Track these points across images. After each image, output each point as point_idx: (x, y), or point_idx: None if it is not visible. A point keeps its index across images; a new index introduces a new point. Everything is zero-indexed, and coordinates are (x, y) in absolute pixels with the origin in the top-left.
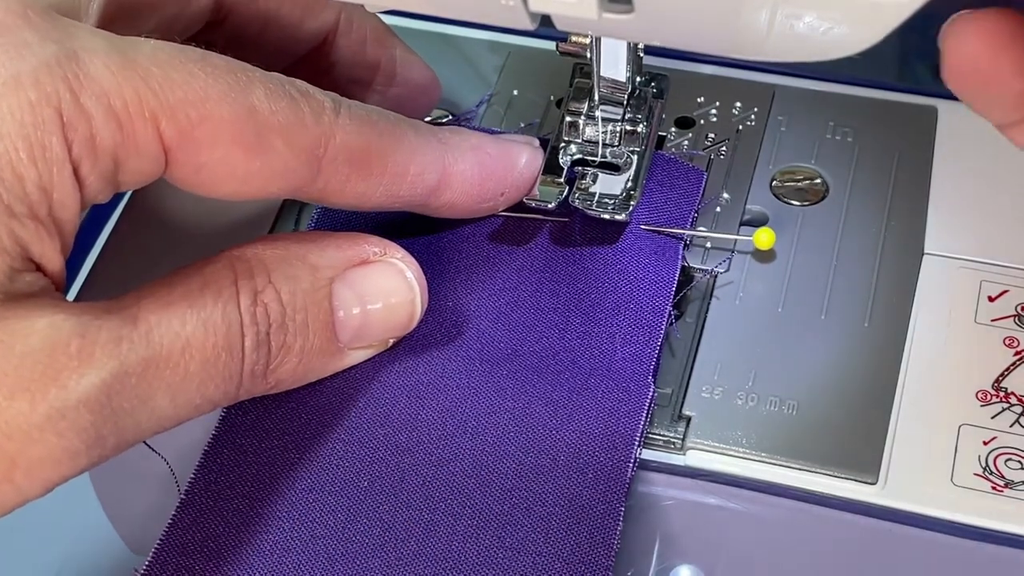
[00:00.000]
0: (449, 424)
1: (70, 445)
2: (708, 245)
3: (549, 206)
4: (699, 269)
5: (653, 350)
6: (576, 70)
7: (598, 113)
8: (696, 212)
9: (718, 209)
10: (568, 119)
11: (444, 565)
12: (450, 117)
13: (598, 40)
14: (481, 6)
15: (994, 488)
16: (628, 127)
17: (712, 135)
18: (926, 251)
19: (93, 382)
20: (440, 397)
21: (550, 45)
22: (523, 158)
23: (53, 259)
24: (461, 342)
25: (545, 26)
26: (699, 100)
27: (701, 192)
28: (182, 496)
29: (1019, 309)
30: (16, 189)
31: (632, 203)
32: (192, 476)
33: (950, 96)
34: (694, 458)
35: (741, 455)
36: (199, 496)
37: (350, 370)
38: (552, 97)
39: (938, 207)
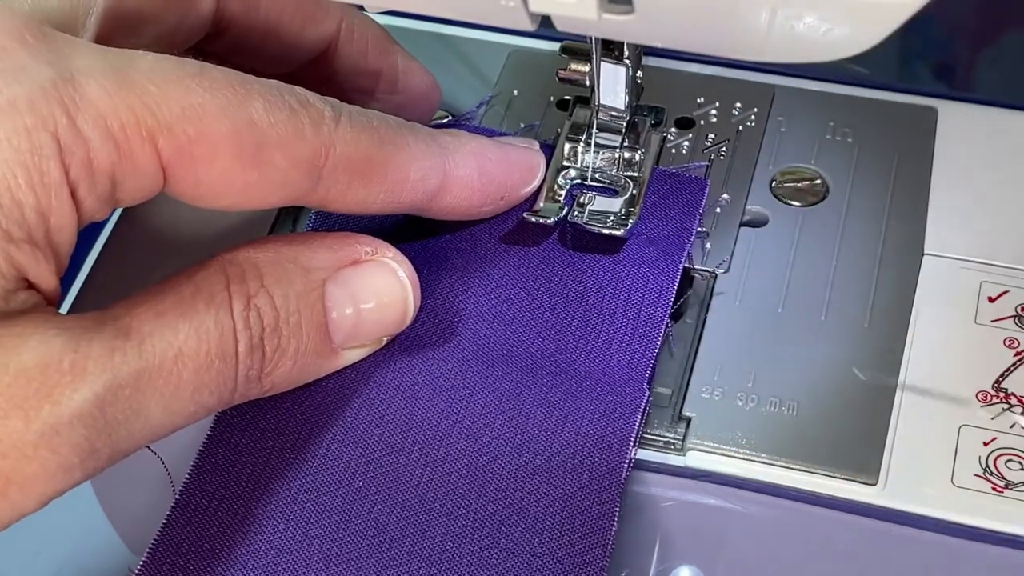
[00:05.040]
0: (444, 424)
1: (64, 460)
2: (708, 245)
3: (548, 221)
4: (699, 270)
5: (649, 359)
6: (574, 102)
7: (595, 140)
8: (700, 224)
9: (718, 210)
10: (568, 146)
11: (439, 565)
12: (450, 118)
13: (598, 67)
14: (481, 6)
15: (994, 489)
16: (626, 154)
17: (712, 135)
18: (926, 251)
19: (86, 396)
20: (435, 397)
21: (550, 45)
22: (524, 162)
23: (48, 279)
24: (456, 342)
25: (545, 26)
26: (699, 100)
27: (703, 202)
28: (177, 496)
29: (1019, 310)
30: (14, 215)
31: (631, 220)
32: (187, 475)
33: (950, 96)
34: (694, 459)
35: (741, 456)
36: (194, 496)
37: (345, 370)
38: (552, 98)
39: (938, 207)
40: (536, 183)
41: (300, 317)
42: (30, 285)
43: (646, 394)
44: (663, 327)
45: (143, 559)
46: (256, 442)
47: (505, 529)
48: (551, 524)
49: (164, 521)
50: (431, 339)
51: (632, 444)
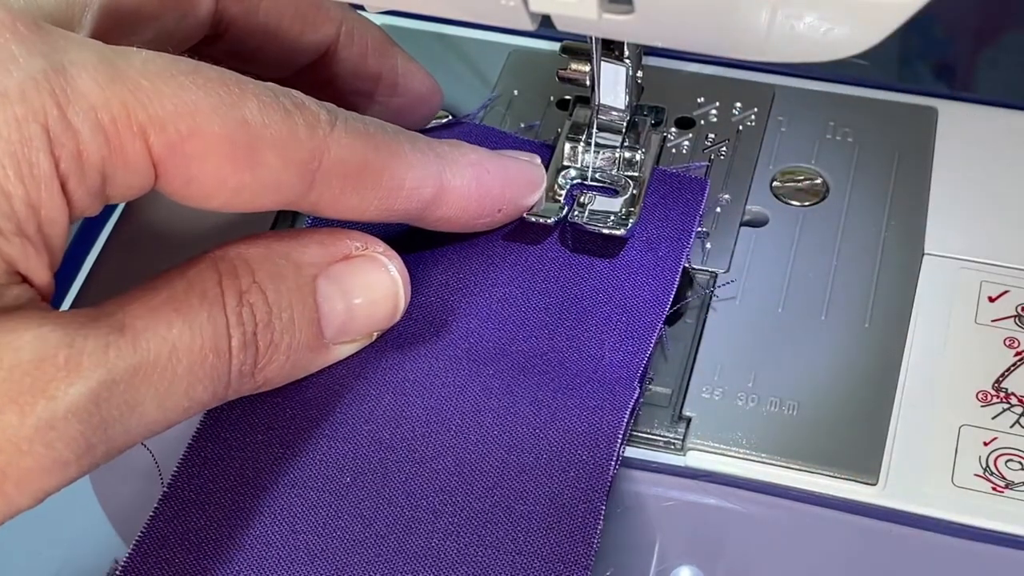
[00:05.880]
0: (433, 421)
1: (60, 456)
2: (708, 245)
3: (548, 221)
4: (699, 269)
5: (641, 359)
6: (574, 102)
7: (595, 140)
8: (700, 224)
9: (718, 210)
10: (568, 145)
11: (424, 562)
12: (450, 118)
13: (598, 67)
14: (481, 6)
15: (994, 489)
16: (627, 154)
17: (712, 135)
18: (926, 251)
19: (81, 392)
20: (425, 395)
21: (550, 45)
22: (523, 176)
23: (41, 273)
24: (449, 340)
25: (545, 26)
26: (699, 100)
27: (703, 202)
28: (165, 488)
29: (1019, 309)
30: (3, 207)
31: (631, 220)
32: (176, 469)
33: (950, 96)
34: (694, 459)
35: (741, 456)
36: (182, 489)
37: (336, 366)
38: (552, 98)
39: (938, 207)
40: (535, 197)
41: (293, 312)
42: (23, 280)
43: (636, 392)
44: (658, 328)
45: (129, 551)
46: (245, 437)
47: (491, 526)
48: (537, 522)
49: (151, 514)
50: (423, 336)
51: (620, 442)
